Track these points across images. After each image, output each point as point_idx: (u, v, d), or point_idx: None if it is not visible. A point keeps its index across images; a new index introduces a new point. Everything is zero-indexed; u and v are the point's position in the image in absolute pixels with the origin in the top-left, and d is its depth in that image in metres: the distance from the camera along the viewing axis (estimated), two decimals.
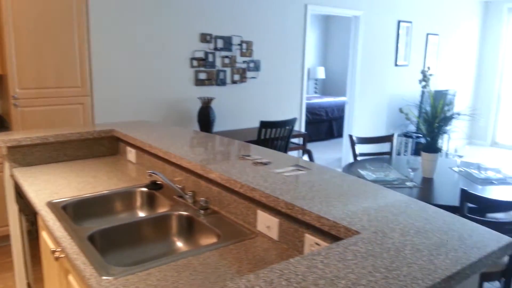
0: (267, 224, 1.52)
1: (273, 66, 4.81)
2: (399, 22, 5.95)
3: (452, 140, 7.30)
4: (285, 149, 4.23)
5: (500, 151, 7.18)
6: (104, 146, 2.64)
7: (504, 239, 1.12)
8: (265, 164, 1.86)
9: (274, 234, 1.49)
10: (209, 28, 4.22)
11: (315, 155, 6.59)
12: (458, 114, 2.74)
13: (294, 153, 5.09)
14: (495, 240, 1.11)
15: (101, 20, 3.63)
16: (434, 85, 6.68)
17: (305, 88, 5.19)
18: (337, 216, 1.26)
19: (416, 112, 6.00)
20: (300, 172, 1.76)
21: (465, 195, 2.15)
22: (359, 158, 3.49)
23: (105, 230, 1.61)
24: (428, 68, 2.71)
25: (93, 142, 2.60)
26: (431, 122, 2.75)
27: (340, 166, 5.90)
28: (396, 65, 6.07)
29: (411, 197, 1.46)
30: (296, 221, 1.40)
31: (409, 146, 6.27)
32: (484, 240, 1.11)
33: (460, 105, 7.33)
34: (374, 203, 1.38)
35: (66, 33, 3.38)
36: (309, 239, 1.34)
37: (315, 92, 9.69)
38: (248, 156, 2.00)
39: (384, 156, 3.56)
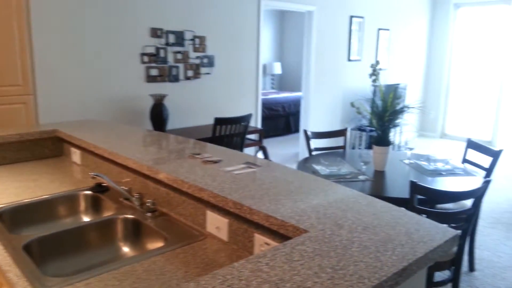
0: (216, 225, 1.47)
1: (227, 62, 4.74)
2: (351, 17, 6.04)
3: (403, 133, 7.53)
4: (241, 145, 4.19)
5: (449, 142, 7.48)
6: (47, 148, 2.49)
7: (449, 232, 1.13)
8: (215, 162, 1.81)
9: (223, 235, 1.44)
10: (160, 22, 4.10)
11: (273, 151, 6.60)
12: (408, 107, 2.79)
13: (250, 150, 5.06)
14: (441, 233, 1.12)
15: (44, 14, 3.43)
16: (386, 79, 6.85)
17: (260, 84, 5.16)
18: (285, 215, 1.23)
19: (368, 106, 6.12)
20: (251, 169, 1.72)
21: (415, 187, 2.19)
22: (314, 153, 3.51)
23: (44, 238, 1.50)
24: (378, 62, 2.74)
25: (35, 144, 2.44)
26: (381, 115, 2.79)
27: (297, 161, 5.94)
28: (349, 60, 6.16)
29: (360, 192, 1.45)
30: (245, 221, 1.36)
31: (363, 140, 6.41)
32: (430, 234, 1.12)
33: (411, 98, 7.57)
34: (324, 199, 1.36)
35: (4, 29, 3.17)
36: (259, 239, 1.30)
37: (272, 88, 9.71)
38: (198, 154, 1.94)
39: (339, 150, 3.59)
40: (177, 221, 1.63)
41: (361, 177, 2.72)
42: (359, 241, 1.06)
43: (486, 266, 3.10)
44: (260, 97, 5.22)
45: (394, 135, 6.68)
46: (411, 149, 3.11)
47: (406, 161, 3.11)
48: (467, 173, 2.83)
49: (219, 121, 3.89)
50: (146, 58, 4.05)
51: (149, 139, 2.29)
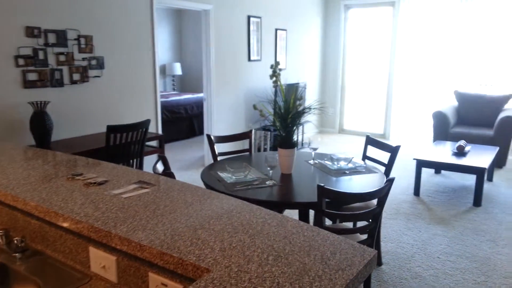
0: (102, 263, 1.21)
1: (119, 63, 4.36)
2: (249, 17, 5.98)
3: (306, 132, 7.71)
4: (140, 154, 3.86)
5: (348, 137, 7.83)
6: None
7: (367, 253, 1.01)
8: (100, 184, 1.53)
9: (112, 275, 1.19)
10: (37, 20, 3.59)
11: (177, 156, 6.30)
12: (310, 108, 2.74)
13: (151, 158, 4.73)
14: (360, 255, 1.00)
15: None
16: (286, 79, 6.93)
17: (158, 86, 4.85)
18: (183, 250, 1.02)
19: (271, 108, 6.11)
20: (144, 190, 1.48)
21: (322, 191, 2.12)
22: (219, 158, 3.33)
23: None
24: (277, 63, 2.64)
25: None
26: (284, 117, 2.70)
27: (204, 164, 5.73)
28: (249, 60, 6.10)
29: (269, 211, 1.29)
30: (137, 258, 1.12)
31: (268, 139, 6.42)
32: (348, 257, 0.99)
33: (311, 96, 7.77)
34: (228, 223, 1.18)
35: None
36: (154, 279, 1.08)
37: (173, 89, 9.36)
38: (80, 175, 1.64)
39: (245, 153, 3.46)
40: (55, 260, 1.33)
41: (268, 182, 2.60)
42: (271, 278, 0.90)
43: (391, 259, 3.19)
44: (159, 100, 4.91)
45: (297, 134, 6.79)
46: (314, 149, 3.08)
47: (311, 162, 3.07)
48: (368, 170, 2.87)
49: (112, 129, 3.52)
50: (21, 61, 3.53)
51: (19, 157, 1.91)
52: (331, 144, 7.20)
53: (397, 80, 7.33)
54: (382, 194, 2.21)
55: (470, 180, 5.16)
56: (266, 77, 6.52)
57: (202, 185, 4.03)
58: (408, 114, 7.38)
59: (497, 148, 5.02)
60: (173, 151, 6.60)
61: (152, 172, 2.08)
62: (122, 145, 3.60)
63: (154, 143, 4.62)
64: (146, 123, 3.70)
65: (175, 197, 1.40)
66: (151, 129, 4.80)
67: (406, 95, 7.34)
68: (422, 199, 4.49)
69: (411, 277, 2.93)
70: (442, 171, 5.53)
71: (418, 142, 7.31)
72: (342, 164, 2.99)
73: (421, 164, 4.57)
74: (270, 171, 2.66)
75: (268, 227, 1.16)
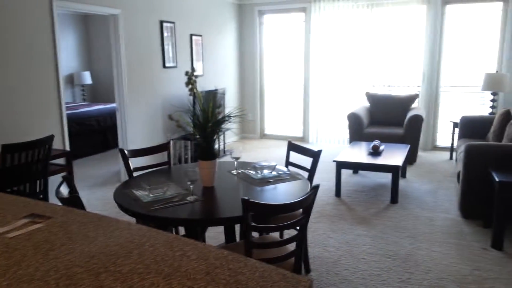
0: None
1: (14, 74, 3.90)
2: (161, 22, 5.73)
3: (227, 140, 7.59)
4: (44, 174, 3.46)
5: (269, 142, 7.85)
6: None
7: (302, 283, 0.89)
8: None
9: None
10: None
11: (90, 172, 5.83)
12: (230, 116, 2.61)
13: (57, 177, 4.29)
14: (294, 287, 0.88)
15: None
16: (204, 86, 6.77)
17: (63, 97, 4.43)
18: None
19: (188, 118, 5.90)
20: (36, 226, 1.24)
21: (246, 205, 1.99)
22: (136, 174, 3.07)
23: None
24: (193, 69, 2.47)
25: None
26: (203, 127, 2.54)
27: (120, 180, 5.35)
28: (164, 67, 5.85)
29: (190, 240, 1.12)
30: None
31: (189, 149, 6.19)
32: None
33: (230, 102, 7.68)
34: (140, 260, 0.99)
35: None
36: None
37: (84, 100, 8.74)
38: None
39: (163, 167, 3.23)
40: None
41: (189, 198, 2.42)
42: None
43: (319, 264, 3.16)
44: (65, 113, 4.48)
45: (218, 143, 6.65)
46: (237, 158, 2.96)
47: (234, 172, 2.94)
48: (293, 177, 2.80)
49: (8, 148, 3.11)
50: None
51: None
52: (253, 150, 7.15)
53: (313, 83, 7.51)
54: (308, 203, 2.13)
55: (385, 178, 5.38)
56: (183, 84, 6.29)
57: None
58: (325, 116, 7.59)
59: (408, 146, 5.29)
60: (85, 167, 6.12)
61: (55, 196, 1.80)
62: (21, 165, 3.19)
63: (61, 160, 4.19)
64: (48, 139, 3.32)
65: (74, 232, 1.18)
66: (57, 145, 4.36)
67: (322, 98, 7.54)
68: (344, 200, 4.58)
69: (339, 282, 2.92)
70: (360, 171, 5.72)
71: (336, 144, 7.54)
72: (266, 172, 2.89)
73: (340, 165, 4.66)
74: (191, 186, 2.48)
75: (187, 261, 0.99)
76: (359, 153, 4.93)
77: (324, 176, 5.50)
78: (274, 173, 2.88)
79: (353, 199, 4.61)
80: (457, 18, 6.57)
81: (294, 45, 7.66)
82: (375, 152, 4.91)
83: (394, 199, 4.47)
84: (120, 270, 0.95)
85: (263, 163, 3.04)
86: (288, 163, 3.30)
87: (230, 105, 7.65)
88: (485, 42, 6.49)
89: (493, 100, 6.02)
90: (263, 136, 8.23)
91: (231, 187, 2.65)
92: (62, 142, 4.46)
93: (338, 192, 4.71)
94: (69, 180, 2.35)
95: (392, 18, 6.87)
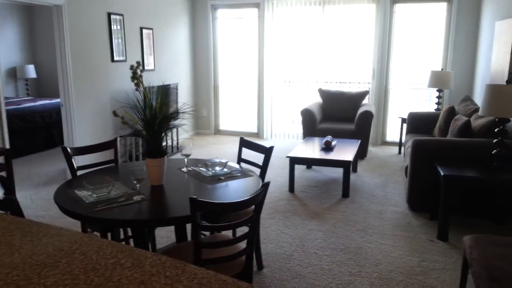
0: None
1: None
2: (109, 14, 5.50)
3: (180, 136, 7.45)
4: None
5: (224, 138, 7.79)
6: None
7: None
8: None
9: None
10: None
11: (34, 170, 5.53)
12: (178, 112, 2.53)
13: None
14: None
15: None
16: (156, 81, 6.59)
17: (2, 92, 4.14)
18: None
19: (135, 113, 5.73)
20: None
21: (194, 204, 1.93)
22: (80, 172, 2.92)
23: None
24: (138, 64, 2.37)
25: None
26: (151, 124, 2.44)
27: (66, 178, 5.10)
28: (113, 60, 5.63)
29: (123, 247, 1.05)
30: None
31: (140, 146, 6.01)
32: None
33: (184, 97, 7.54)
34: (68, 270, 0.91)
35: None
36: None
37: (28, 95, 8.27)
38: None
39: (110, 165, 3.10)
40: None
41: (136, 198, 2.32)
42: None
43: (272, 261, 3.15)
44: (4, 109, 4.20)
45: (167, 140, 6.51)
46: (187, 155, 2.87)
47: (184, 169, 2.86)
48: (244, 174, 2.76)
49: None
50: None
51: None
52: (207, 146, 7.06)
53: (267, 79, 7.50)
54: (258, 201, 2.10)
55: (338, 172, 5.47)
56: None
57: None
58: (279, 112, 7.61)
59: (359, 141, 5.40)
60: (29, 165, 5.79)
61: None
62: None
63: (0, 159, 3.93)
64: None
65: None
66: None
67: (277, 93, 7.56)
68: (297, 195, 4.60)
69: (291, 277, 2.92)
70: (313, 166, 5.79)
71: (290, 139, 7.59)
72: (218, 169, 2.84)
73: (294, 161, 4.67)
74: (137, 185, 2.38)
75: (120, 270, 0.92)
76: (312, 149, 4.97)
77: (278, 171, 5.51)
78: (225, 170, 2.82)
79: (306, 194, 4.65)
80: (406, 16, 6.78)
81: (248, 40, 7.62)
82: (328, 148, 4.97)
83: (345, 193, 4.54)
84: (44, 282, 0.87)
85: (215, 160, 2.98)
86: (240, 160, 3.25)
87: (183, 100, 7.50)
88: (432, 41, 6.74)
89: (438, 97, 6.26)
90: (218, 132, 8.15)
91: (180, 186, 2.57)
92: (1, 139, 4.18)
93: (291, 188, 4.73)
94: (4, 180, 2.19)
95: (343, 16, 6.98)
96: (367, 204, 4.32)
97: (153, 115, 2.43)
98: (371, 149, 6.79)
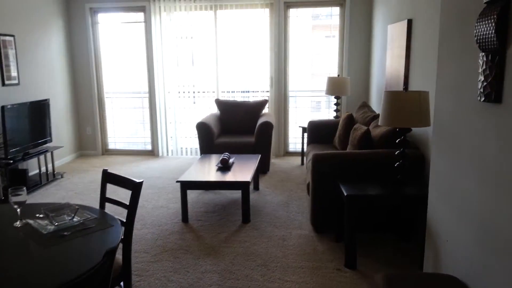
0: None
1: None
2: None
3: (59, 159, 6.43)
4: None
5: (112, 158, 6.89)
6: None
7: None
8: None
9: None
10: None
11: None
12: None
13: None
14: None
15: None
16: (20, 97, 5.54)
17: None
18: None
19: None
20: None
21: None
22: None
23: None
24: None
25: None
26: None
27: None
28: None
29: None
30: None
31: (6, 174, 4.94)
32: None
33: (59, 114, 6.52)
34: None
35: None
36: None
37: None
38: None
39: None
40: None
41: None
42: None
43: None
44: None
45: (43, 166, 5.51)
46: (20, 203, 2.10)
47: (18, 224, 2.09)
48: (101, 223, 2.08)
49: None
50: None
51: None
52: (91, 171, 6.13)
53: (159, 90, 6.78)
54: (94, 280, 1.45)
55: (239, 192, 4.96)
56: None
57: None
58: (175, 126, 6.93)
59: (259, 156, 4.96)
60: None
61: None
62: None
63: None
64: None
65: None
66: None
67: (171, 105, 6.88)
68: (191, 226, 3.99)
69: None
70: None
71: (189, 155, 6.95)
72: (66, 219, 2.12)
73: (185, 186, 4.05)
74: None
75: None
76: (208, 169, 4.40)
77: (172, 196, 4.85)
78: (76, 219, 2.12)
79: (203, 223, 4.05)
80: (301, 21, 6.54)
81: (137, 48, 6.84)
82: (224, 167, 4.44)
83: (245, 218, 4.03)
84: None
85: (69, 205, 2.25)
86: (104, 200, 2.55)
87: (59, 117, 6.48)
88: (328, 46, 6.58)
89: (336, 104, 6.08)
90: (106, 152, 7.21)
91: (11, 252, 1.82)
92: None
93: (185, 217, 4.10)
94: None
95: (237, 21, 6.54)
96: (269, 230, 3.85)
97: None
98: (274, 161, 6.42)
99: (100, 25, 6.83)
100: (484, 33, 1.74)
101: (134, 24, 6.77)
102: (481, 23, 1.78)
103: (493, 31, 1.66)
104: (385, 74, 5.00)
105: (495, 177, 1.75)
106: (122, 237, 2.23)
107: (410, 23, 4.03)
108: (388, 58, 4.82)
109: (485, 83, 1.78)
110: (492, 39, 1.68)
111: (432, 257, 2.53)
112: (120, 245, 2.06)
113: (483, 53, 1.81)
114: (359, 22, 6.27)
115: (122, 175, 2.42)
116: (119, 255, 2.28)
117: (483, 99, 1.80)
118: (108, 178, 2.53)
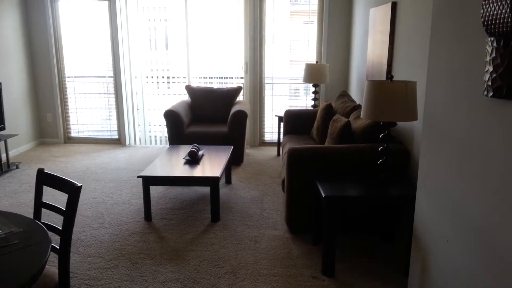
0: None
1: None
2: None
3: (14, 148, 5.93)
4: None
5: (75, 147, 6.42)
6: None
7: None
8: None
9: None
10: None
11: None
12: None
13: None
14: None
15: None
16: None
17: None
18: None
19: None
20: None
21: None
22: None
23: None
24: None
25: None
26: None
27: None
28: None
29: None
30: None
31: None
32: None
33: (16, 99, 6.00)
34: None
35: None
36: None
37: None
38: None
39: None
40: None
41: None
42: None
43: None
44: None
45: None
46: None
47: None
48: (26, 240, 1.71)
49: None
50: None
51: None
52: (49, 161, 5.65)
53: (125, 76, 6.31)
54: None
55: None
56: None
57: None
58: (143, 114, 6.49)
59: (231, 147, 4.60)
60: None
61: None
62: None
63: None
64: None
65: None
66: None
67: (139, 92, 6.42)
68: (155, 225, 3.62)
69: None
70: None
71: (158, 144, 6.54)
72: None
73: (148, 181, 3.68)
74: None
75: None
76: (175, 162, 4.03)
77: (136, 191, 4.46)
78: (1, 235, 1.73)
79: (168, 221, 3.69)
80: (277, 5, 6.15)
81: (101, 30, 6.32)
82: (193, 160, 4.07)
83: (215, 217, 3.69)
84: None
85: None
86: (40, 206, 2.16)
87: (14, 103, 5.94)
88: (308, 31, 6.22)
89: (315, 92, 5.76)
90: (69, 140, 6.72)
91: None
92: None
93: (148, 215, 3.73)
94: None
95: (209, 5, 6.10)
96: (240, 230, 3.53)
97: None
98: (248, 151, 6.08)
99: (60, 3, 6.27)
100: (495, 13, 1.42)
101: (98, 3, 6.24)
102: (490, 1, 1.46)
103: (509, 11, 1.34)
104: (366, 62, 4.69)
105: (499, 181, 1.46)
106: (58, 247, 1.86)
107: (394, 6, 3.71)
108: (370, 45, 4.51)
109: (494, 75, 1.46)
110: (506, 21, 1.36)
111: (418, 269, 2.25)
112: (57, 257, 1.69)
113: (491, 38, 1.49)
114: (339, 6, 5.93)
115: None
116: (55, 270, 1.92)
117: (491, 93, 1.49)
118: (44, 179, 2.13)
